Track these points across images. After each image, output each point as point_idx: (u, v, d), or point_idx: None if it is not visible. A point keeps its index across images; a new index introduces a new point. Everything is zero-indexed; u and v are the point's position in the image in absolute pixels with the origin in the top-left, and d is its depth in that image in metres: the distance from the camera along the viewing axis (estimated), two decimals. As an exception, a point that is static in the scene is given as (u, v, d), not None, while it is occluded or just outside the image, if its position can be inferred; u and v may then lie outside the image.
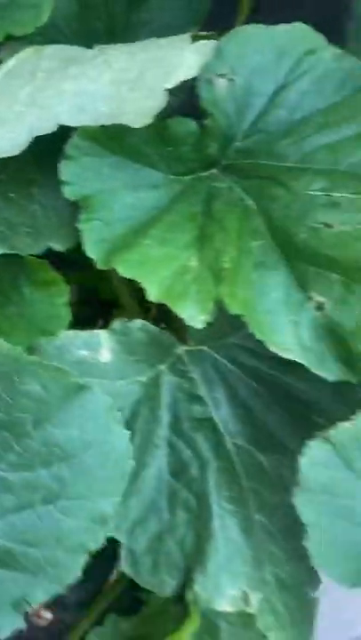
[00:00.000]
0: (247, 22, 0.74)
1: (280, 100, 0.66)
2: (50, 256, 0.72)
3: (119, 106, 0.61)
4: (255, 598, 0.57)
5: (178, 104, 0.74)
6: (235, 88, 0.67)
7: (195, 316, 0.56)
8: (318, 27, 0.77)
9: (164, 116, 0.73)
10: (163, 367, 0.64)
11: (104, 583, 0.90)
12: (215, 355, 0.65)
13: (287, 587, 0.60)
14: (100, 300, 0.95)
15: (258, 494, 0.62)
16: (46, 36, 0.86)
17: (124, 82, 0.62)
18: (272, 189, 0.63)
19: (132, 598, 0.89)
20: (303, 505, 0.49)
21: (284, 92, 0.66)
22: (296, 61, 0.66)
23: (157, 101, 0.60)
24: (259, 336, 0.55)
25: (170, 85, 0.61)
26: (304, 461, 0.48)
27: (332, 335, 0.54)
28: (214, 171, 0.68)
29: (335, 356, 0.54)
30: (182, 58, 0.62)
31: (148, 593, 0.83)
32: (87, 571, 0.69)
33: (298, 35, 0.66)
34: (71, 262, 0.70)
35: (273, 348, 0.55)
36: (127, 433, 0.53)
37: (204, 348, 0.66)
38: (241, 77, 0.67)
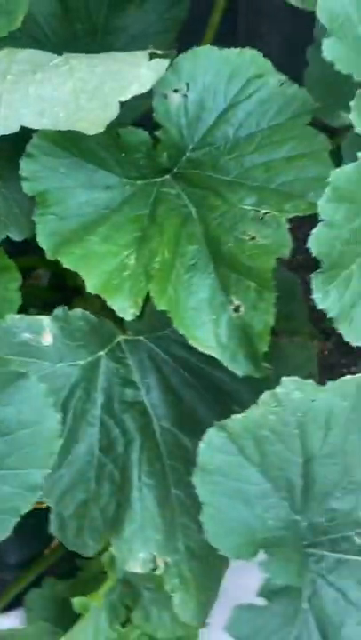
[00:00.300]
0: (223, 41, 0.80)
1: (228, 117, 0.72)
2: (22, 242, 0.78)
3: (76, 113, 0.66)
4: (163, 562, 0.64)
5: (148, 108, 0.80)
6: (188, 103, 0.73)
7: (126, 308, 0.62)
8: (292, 50, 0.82)
9: (132, 120, 0.79)
10: (102, 353, 0.71)
11: (45, 548, 0.97)
12: (151, 345, 0.72)
13: (196, 555, 0.67)
14: (68, 286, 1.01)
15: (178, 472, 0.69)
16: (27, 33, 0.92)
17: (84, 91, 0.68)
18: (212, 200, 0.69)
19: (70, 564, 0.97)
20: (200, 484, 0.56)
21: (232, 111, 0.72)
22: (245, 83, 0.72)
23: (111, 112, 0.66)
24: (182, 331, 0.62)
25: (124, 99, 0.66)
26: (202, 446, 0.55)
27: (244, 335, 0.61)
28: (167, 177, 0.74)
29: (245, 354, 0.61)
30: (138, 74, 0.68)
31: (84, 559, 0.90)
32: (30, 535, 0.76)
33: (248, 59, 0.72)
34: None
35: (193, 342, 0.62)
36: (58, 416, 0.60)
37: (142, 338, 0.72)
38: (194, 93, 0.73)
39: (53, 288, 1.03)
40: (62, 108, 0.67)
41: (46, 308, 0.88)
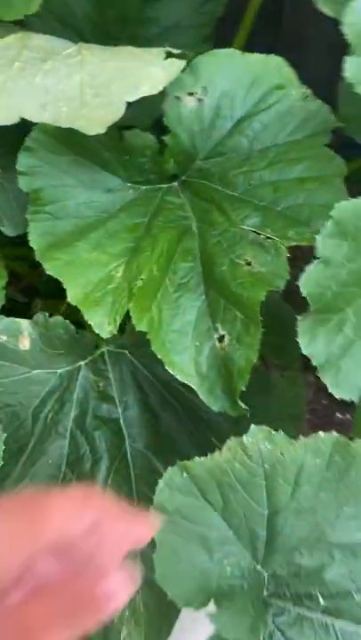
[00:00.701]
0: (264, 42, 0.75)
1: (244, 127, 0.68)
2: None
3: (79, 110, 0.63)
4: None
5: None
6: (203, 108, 0.68)
7: (103, 325, 0.59)
8: (336, 57, 0.76)
9: (152, 120, 0.75)
10: (82, 363, 0.68)
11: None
12: (135, 360, 0.69)
13: (154, 588, 0.63)
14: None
15: (146, 498, 0.66)
16: (56, 14, 0.88)
17: (91, 86, 0.64)
18: (215, 215, 0.65)
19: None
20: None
21: (248, 121, 0.67)
22: (266, 92, 0.67)
23: (115, 113, 0.61)
24: (160, 354, 0.58)
25: (130, 99, 0.62)
26: (161, 485, 0.51)
27: (225, 369, 0.57)
28: (175, 184, 0.70)
29: (222, 389, 0.56)
30: (150, 73, 0.63)
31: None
32: None
33: (272, 67, 0.67)
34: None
35: (170, 368, 0.58)
36: (3, 435, 0.56)
37: (126, 352, 0.69)
38: (211, 99, 0.68)
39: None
40: (66, 102, 0.63)
41: (50, 299, 0.85)
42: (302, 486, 0.50)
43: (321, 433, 0.48)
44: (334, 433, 0.48)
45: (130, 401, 0.68)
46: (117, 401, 0.68)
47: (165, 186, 0.70)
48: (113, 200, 0.68)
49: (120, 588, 0.33)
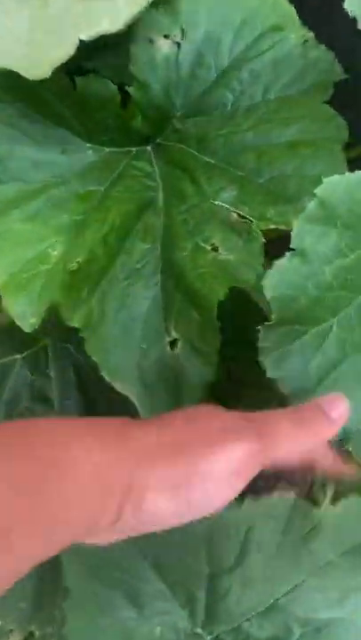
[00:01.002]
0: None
1: (230, 78, 0.55)
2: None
3: (24, 48, 0.51)
4: (23, 636, 0.51)
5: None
6: (181, 54, 0.55)
7: (26, 315, 0.47)
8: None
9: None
10: (17, 357, 0.57)
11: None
12: (80, 357, 0.57)
13: None
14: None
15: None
16: None
17: (42, 19, 0.52)
18: (186, 186, 0.53)
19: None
20: (68, 564, 0.42)
21: (236, 70, 0.54)
22: (259, 35, 0.54)
23: (62, 52, 0.49)
24: (96, 357, 0.47)
25: (85, 37, 0.50)
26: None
27: (174, 383, 0.45)
28: (147, 148, 0.58)
29: (168, 407, 0.45)
30: (112, 6, 0.51)
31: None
32: None
33: (268, 4, 0.53)
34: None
35: (107, 375, 0.46)
36: None
37: (70, 346, 0.57)
38: (191, 43, 0.55)
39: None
40: (11, 39, 0.52)
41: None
42: (251, 548, 0.38)
43: (276, 495, 0.36)
44: (292, 494, 0.36)
45: (72, 405, 0.57)
46: (56, 405, 0.56)
47: (135, 149, 0.58)
48: (69, 162, 0.56)
49: (340, 414, 0.38)
